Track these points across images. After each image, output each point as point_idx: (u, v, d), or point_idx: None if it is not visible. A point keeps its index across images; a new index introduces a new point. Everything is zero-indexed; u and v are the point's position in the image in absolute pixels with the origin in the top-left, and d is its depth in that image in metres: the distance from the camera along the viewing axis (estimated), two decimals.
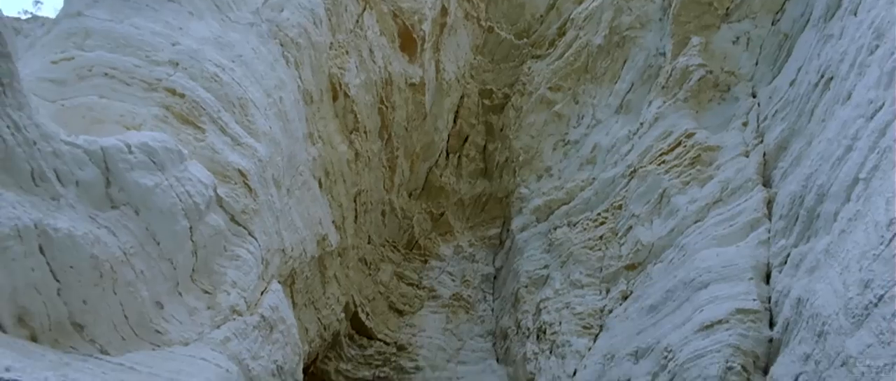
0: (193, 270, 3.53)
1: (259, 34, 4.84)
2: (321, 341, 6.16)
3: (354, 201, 6.75)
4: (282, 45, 5.10)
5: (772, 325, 5.12)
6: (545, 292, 7.05)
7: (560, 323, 6.64)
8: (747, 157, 6.20)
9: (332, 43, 5.92)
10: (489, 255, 8.47)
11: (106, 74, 3.77)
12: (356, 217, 6.91)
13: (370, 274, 7.53)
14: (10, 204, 2.42)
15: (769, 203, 5.84)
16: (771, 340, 4.99)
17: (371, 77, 6.49)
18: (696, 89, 6.56)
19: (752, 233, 5.68)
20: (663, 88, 6.76)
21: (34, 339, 2.57)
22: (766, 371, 4.95)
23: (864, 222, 4.03)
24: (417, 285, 8.05)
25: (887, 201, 3.72)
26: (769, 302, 5.24)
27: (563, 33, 8.20)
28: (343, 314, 6.72)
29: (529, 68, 8.30)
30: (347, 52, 6.12)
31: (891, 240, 3.53)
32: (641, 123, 6.97)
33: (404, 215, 8.01)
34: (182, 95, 3.87)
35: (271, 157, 4.41)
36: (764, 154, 6.09)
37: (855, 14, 5.26)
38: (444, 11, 7.29)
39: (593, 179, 7.34)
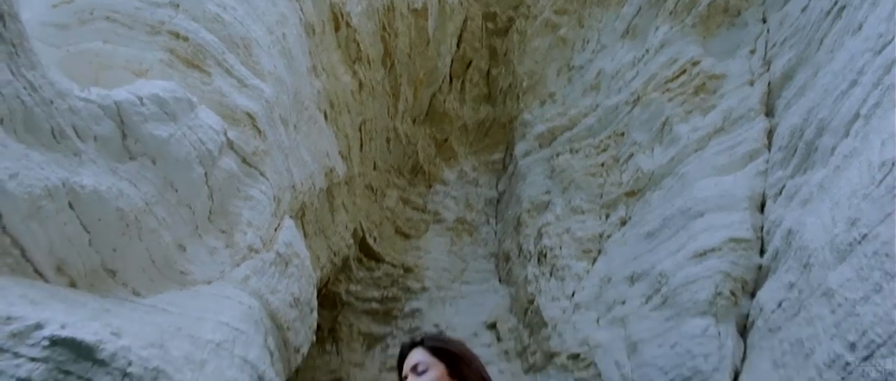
0: (210, 212, 3.71)
1: None
2: (332, 266, 6.49)
3: (360, 131, 6.82)
4: None
5: (762, 252, 5.39)
6: (546, 217, 7.29)
7: (560, 248, 6.94)
8: (752, 86, 6.17)
9: None
10: (492, 179, 8.65)
11: (108, 18, 3.73)
12: (361, 146, 7.01)
13: (376, 200, 7.75)
14: (38, 164, 2.54)
15: (770, 133, 5.90)
16: (760, 267, 5.27)
17: (372, 4, 6.31)
18: (704, 15, 6.39)
19: (750, 163, 5.79)
20: (671, 13, 6.58)
21: (73, 285, 2.79)
22: (753, 295, 5.27)
23: (858, 160, 4.12)
24: (422, 210, 8.30)
25: (883, 142, 3.79)
26: (762, 231, 5.47)
27: None
28: (352, 240, 7.02)
29: None
30: None
31: (881, 180, 3.65)
32: (647, 50, 6.85)
33: (409, 141, 8.09)
34: (186, 39, 3.85)
35: (278, 96, 4.44)
36: (769, 83, 6.06)
37: None
38: None
39: (597, 105, 7.34)
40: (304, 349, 4.46)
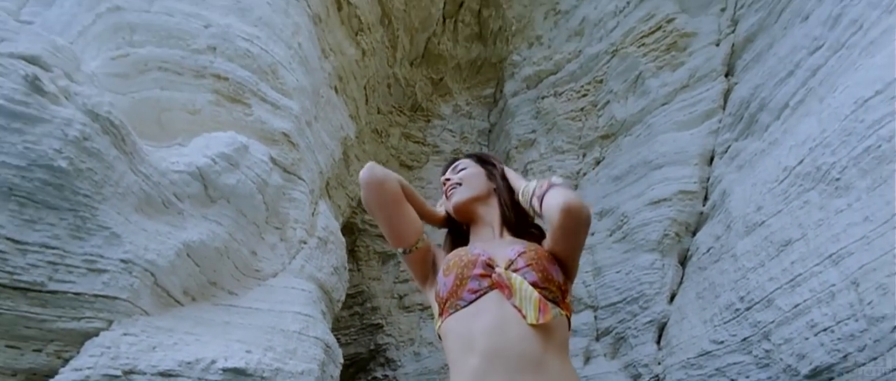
0: (267, 218, 4.83)
1: None
2: (350, 209, 7.71)
3: (365, 90, 7.59)
4: None
5: (706, 199, 6.58)
6: (532, 154, 8.34)
7: None
8: (718, 46, 6.86)
9: None
10: (484, 112, 9.50)
11: (160, 68, 4.49)
12: (367, 100, 7.83)
13: (382, 140, 8.73)
14: (165, 235, 3.63)
15: (727, 93, 6.74)
16: (701, 212, 6.50)
17: None
18: None
19: (706, 121, 6.74)
20: None
21: (193, 299, 4.03)
22: (694, 233, 6.58)
23: (775, 153, 5.13)
24: (423, 143, 9.29)
25: (791, 147, 4.77)
26: (707, 182, 6.61)
27: None
28: None
29: None
30: None
31: (782, 181, 4.72)
32: (628, 3, 7.36)
33: (407, 83, 8.81)
34: (226, 79, 4.63)
35: (303, 105, 5.29)
36: (733, 44, 6.74)
37: None
38: None
39: (580, 51, 7.99)
40: (343, 298, 5.86)
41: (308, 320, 4.39)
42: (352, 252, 8.91)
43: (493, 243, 1.32)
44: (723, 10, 6.88)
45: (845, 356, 3.62)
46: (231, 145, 4.23)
